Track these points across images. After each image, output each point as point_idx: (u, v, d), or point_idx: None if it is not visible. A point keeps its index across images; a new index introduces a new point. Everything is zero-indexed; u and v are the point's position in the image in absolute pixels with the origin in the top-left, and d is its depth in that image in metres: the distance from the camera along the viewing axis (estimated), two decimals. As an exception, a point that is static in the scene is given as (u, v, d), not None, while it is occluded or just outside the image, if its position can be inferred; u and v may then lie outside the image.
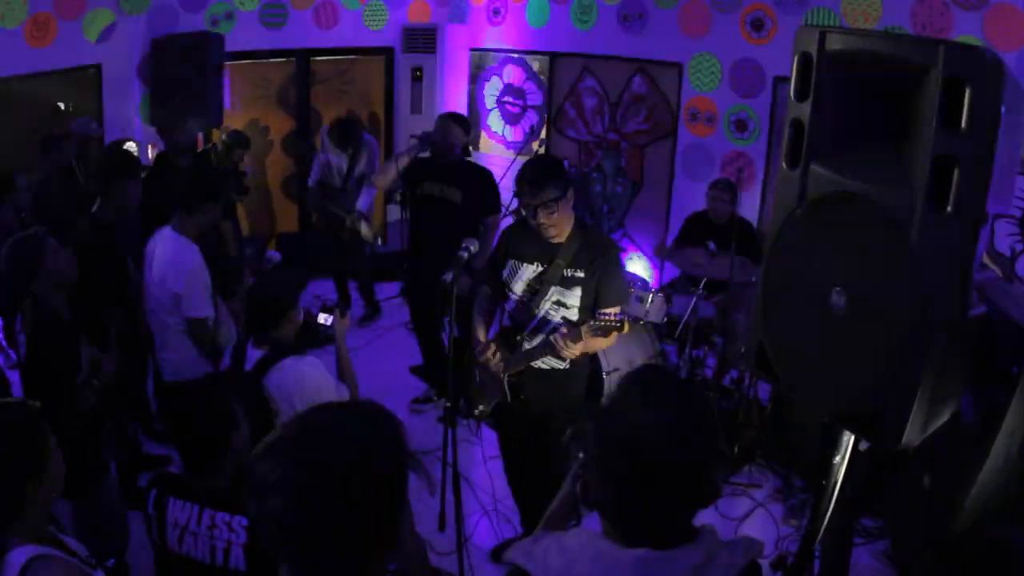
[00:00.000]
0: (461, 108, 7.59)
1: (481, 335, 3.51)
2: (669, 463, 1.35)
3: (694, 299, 4.91)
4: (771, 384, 2.72)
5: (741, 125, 6.15)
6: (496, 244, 3.64)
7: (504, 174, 5.44)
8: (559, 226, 3.22)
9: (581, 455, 1.58)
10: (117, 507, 3.38)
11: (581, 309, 3.27)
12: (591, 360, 3.82)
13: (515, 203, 3.74)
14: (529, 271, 3.34)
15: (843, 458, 2.33)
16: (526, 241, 3.34)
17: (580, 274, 3.25)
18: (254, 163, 7.21)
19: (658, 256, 6.69)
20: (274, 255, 7.06)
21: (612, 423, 1.41)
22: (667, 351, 5.19)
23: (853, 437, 2.29)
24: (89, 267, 3.45)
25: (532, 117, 7.45)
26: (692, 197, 6.10)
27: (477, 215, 4.72)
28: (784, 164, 2.13)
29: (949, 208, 1.71)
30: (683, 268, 5.33)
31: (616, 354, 4.45)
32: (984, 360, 2.63)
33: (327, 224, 6.39)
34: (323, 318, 3.20)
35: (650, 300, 4.50)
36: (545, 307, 3.32)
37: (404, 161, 4.89)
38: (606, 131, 6.99)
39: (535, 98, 7.42)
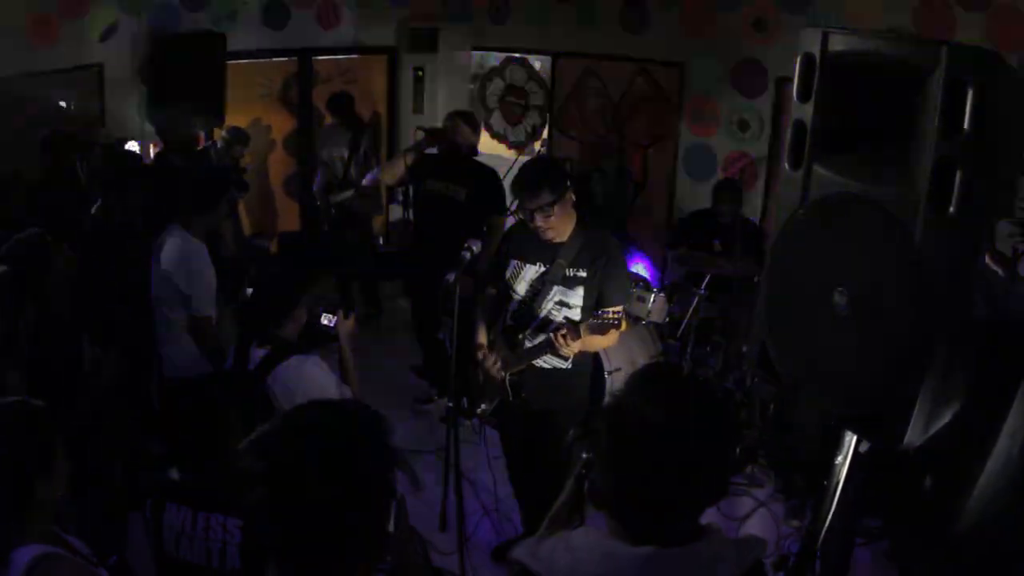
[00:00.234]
0: (462, 108, 7.58)
1: (482, 338, 3.50)
2: (679, 461, 1.35)
3: (696, 299, 4.90)
4: (773, 384, 2.72)
5: (743, 125, 6.15)
6: (499, 244, 3.64)
7: (505, 174, 5.43)
8: (557, 228, 3.22)
9: (585, 455, 1.58)
10: (118, 507, 3.38)
11: (584, 309, 3.27)
12: (593, 359, 3.82)
13: (515, 204, 3.74)
14: (531, 271, 3.33)
15: (845, 458, 2.33)
16: (528, 241, 3.34)
17: (582, 274, 3.25)
18: (255, 162, 7.21)
19: (673, 258, 6.67)
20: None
21: (622, 421, 1.41)
22: (668, 351, 5.18)
23: (855, 437, 2.29)
24: (91, 267, 3.45)
25: (533, 117, 7.45)
26: (693, 197, 6.09)
27: (481, 214, 4.66)
28: (787, 165, 2.13)
29: (952, 209, 1.71)
30: (698, 268, 5.24)
31: (618, 353, 4.45)
32: (986, 361, 2.63)
33: (334, 225, 6.40)
34: (326, 319, 3.18)
35: (652, 300, 4.50)
36: (547, 307, 3.31)
37: (411, 157, 4.88)
38: (608, 131, 6.98)
39: (536, 98, 7.40)
